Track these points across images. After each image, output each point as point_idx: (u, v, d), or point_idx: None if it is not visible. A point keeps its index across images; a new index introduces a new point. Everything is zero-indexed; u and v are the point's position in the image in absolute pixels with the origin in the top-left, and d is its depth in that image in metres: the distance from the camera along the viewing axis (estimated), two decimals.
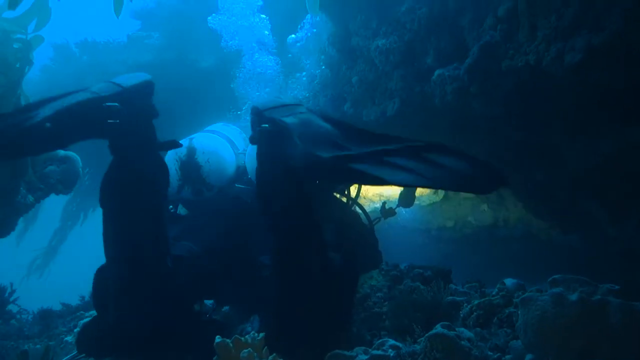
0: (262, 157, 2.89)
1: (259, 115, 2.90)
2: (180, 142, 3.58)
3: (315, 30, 7.31)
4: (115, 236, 2.89)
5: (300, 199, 2.81)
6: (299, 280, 2.87)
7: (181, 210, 4.14)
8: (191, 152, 3.71)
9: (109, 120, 2.70)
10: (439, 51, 5.53)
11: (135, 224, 2.86)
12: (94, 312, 6.02)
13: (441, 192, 9.03)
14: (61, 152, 6.09)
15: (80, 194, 10.94)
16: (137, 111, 2.84)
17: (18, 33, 5.43)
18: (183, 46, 8.81)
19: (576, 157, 5.12)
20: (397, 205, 6.25)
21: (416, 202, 7.19)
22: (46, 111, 2.56)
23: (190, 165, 3.70)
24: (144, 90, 2.97)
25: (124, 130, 2.75)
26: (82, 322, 5.16)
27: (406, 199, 6.44)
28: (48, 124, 2.49)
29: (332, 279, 3.01)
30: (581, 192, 5.53)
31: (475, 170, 2.24)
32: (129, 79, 2.94)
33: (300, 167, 2.56)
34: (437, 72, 5.39)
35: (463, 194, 8.88)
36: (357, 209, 4.92)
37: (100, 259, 3.12)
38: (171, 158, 3.76)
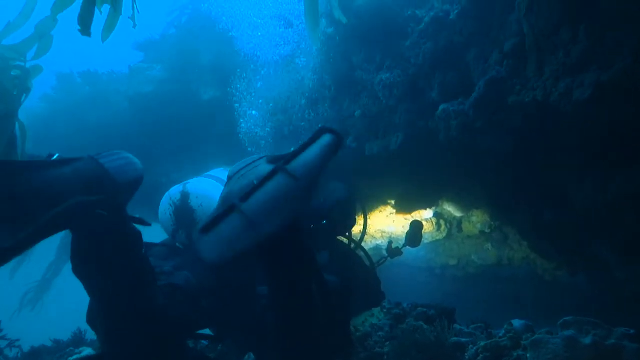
0: None
1: None
2: (175, 187, 3.73)
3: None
4: (97, 301, 2.78)
5: (295, 239, 2.73)
6: (296, 306, 2.79)
7: None
8: (185, 197, 3.73)
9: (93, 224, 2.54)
10: (443, 86, 5.50)
11: (115, 290, 2.72)
12: (84, 349, 5.88)
13: (444, 230, 8.93)
14: None
15: None
16: (120, 204, 2.70)
17: (17, 60, 5.41)
18: (185, 78, 8.80)
19: (584, 195, 5.02)
20: (404, 245, 6.10)
21: None
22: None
23: (183, 210, 3.70)
24: (133, 186, 2.81)
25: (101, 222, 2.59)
26: (71, 359, 5.03)
27: (414, 239, 6.20)
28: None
29: (330, 303, 2.94)
30: (590, 232, 5.41)
31: None
32: (124, 172, 2.72)
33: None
34: (441, 107, 5.34)
35: (465, 233, 8.79)
36: (360, 251, 4.94)
37: None
38: (165, 203, 3.78)
